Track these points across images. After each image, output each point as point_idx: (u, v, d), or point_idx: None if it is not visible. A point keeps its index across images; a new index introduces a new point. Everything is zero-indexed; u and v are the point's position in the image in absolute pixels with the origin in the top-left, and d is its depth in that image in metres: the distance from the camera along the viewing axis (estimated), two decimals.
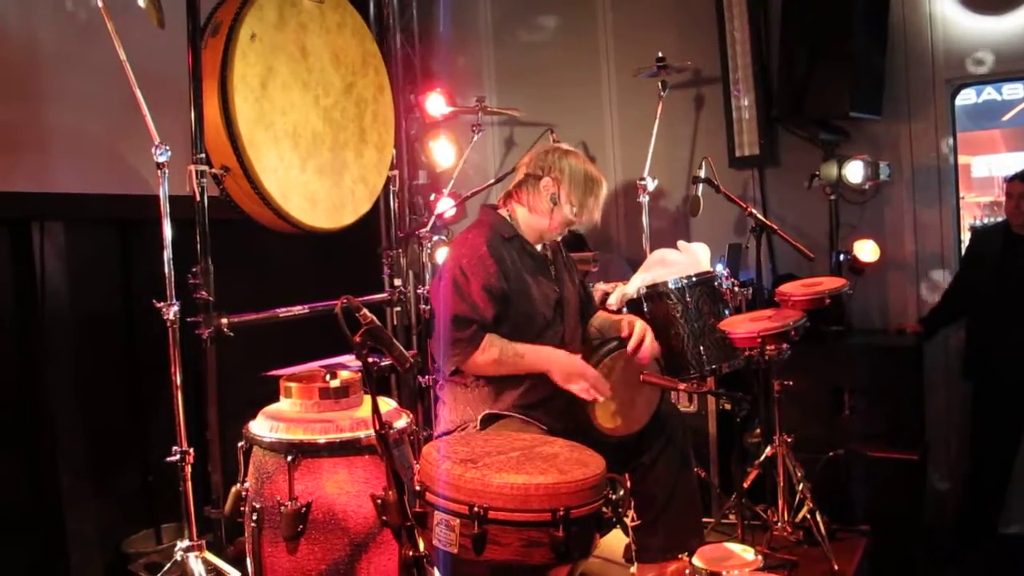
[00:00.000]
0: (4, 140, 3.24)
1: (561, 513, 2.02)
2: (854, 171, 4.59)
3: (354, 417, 2.47)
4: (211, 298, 3.05)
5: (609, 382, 2.82)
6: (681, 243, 3.39)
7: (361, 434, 2.41)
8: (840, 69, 4.40)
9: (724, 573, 2.53)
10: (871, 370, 4.36)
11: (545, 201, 2.94)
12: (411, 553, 2.02)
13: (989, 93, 5.59)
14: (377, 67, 3.84)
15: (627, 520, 2.94)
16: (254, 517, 2.41)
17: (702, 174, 3.97)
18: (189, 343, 2.98)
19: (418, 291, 4.38)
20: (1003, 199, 4.48)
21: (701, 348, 3.11)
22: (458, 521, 2.06)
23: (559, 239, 3.11)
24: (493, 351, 2.77)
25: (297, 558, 2.34)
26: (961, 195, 5.00)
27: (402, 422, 2.55)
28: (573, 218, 2.97)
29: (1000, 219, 4.72)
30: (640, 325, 2.94)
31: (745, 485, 3.45)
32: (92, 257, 3.65)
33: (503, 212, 3.02)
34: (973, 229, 5.24)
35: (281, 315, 3.48)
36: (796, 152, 4.95)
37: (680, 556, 2.85)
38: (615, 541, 3.13)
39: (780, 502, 3.51)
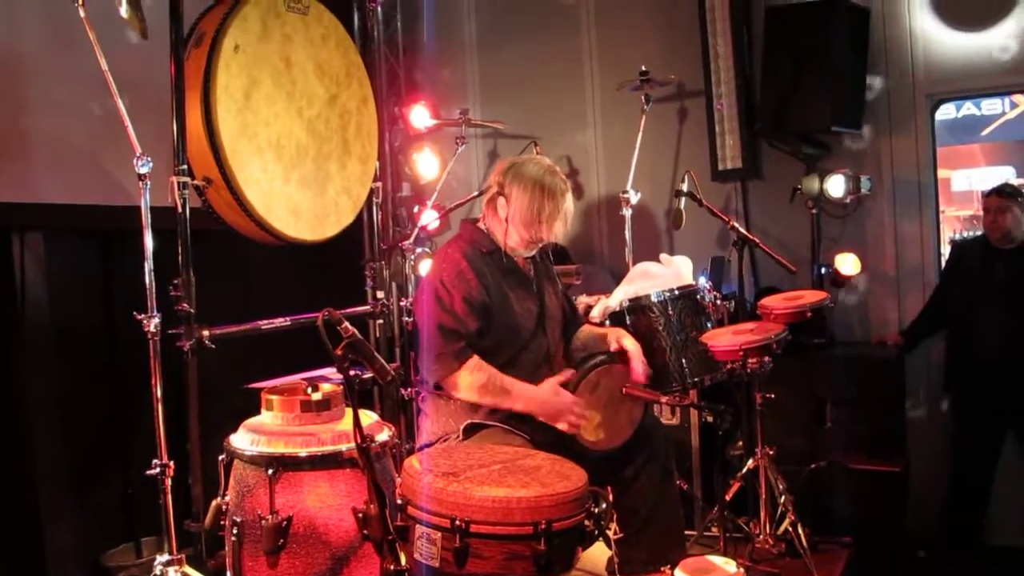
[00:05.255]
0: None
1: (543, 526, 2.02)
2: (835, 185, 4.62)
3: (336, 430, 2.45)
4: (192, 310, 3.03)
5: (594, 396, 2.82)
6: (664, 256, 3.40)
7: (342, 447, 2.39)
8: (822, 83, 4.42)
9: None
10: (853, 382, 4.37)
11: (500, 220, 2.92)
12: (393, 567, 2.02)
13: (968, 108, 5.65)
14: (361, 79, 3.84)
15: (610, 533, 2.94)
16: (234, 531, 2.40)
17: (685, 187, 3.99)
18: (170, 355, 2.96)
19: (401, 303, 4.38)
20: (982, 213, 4.52)
21: (683, 361, 3.11)
22: (440, 535, 2.05)
23: (534, 253, 3.04)
24: (481, 375, 2.76)
25: (278, 572, 2.33)
26: (941, 209, 5.04)
27: (384, 435, 2.54)
28: (528, 236, 2.90)
29: (979, 232, 4.77)
30: (634, 344, 2.95)
31: (727, 497, 3.46)
32: (73, 268, 3.62)
33: (482, 226, 3.01)
34: (953, 242, 5.28)
35: (263, 327, 3.47)
36: (778, 166, 4.98)
37: (663, 569, 2.85)
38: (598, 554, 3.12)
39: (762, 514, 3.51)
